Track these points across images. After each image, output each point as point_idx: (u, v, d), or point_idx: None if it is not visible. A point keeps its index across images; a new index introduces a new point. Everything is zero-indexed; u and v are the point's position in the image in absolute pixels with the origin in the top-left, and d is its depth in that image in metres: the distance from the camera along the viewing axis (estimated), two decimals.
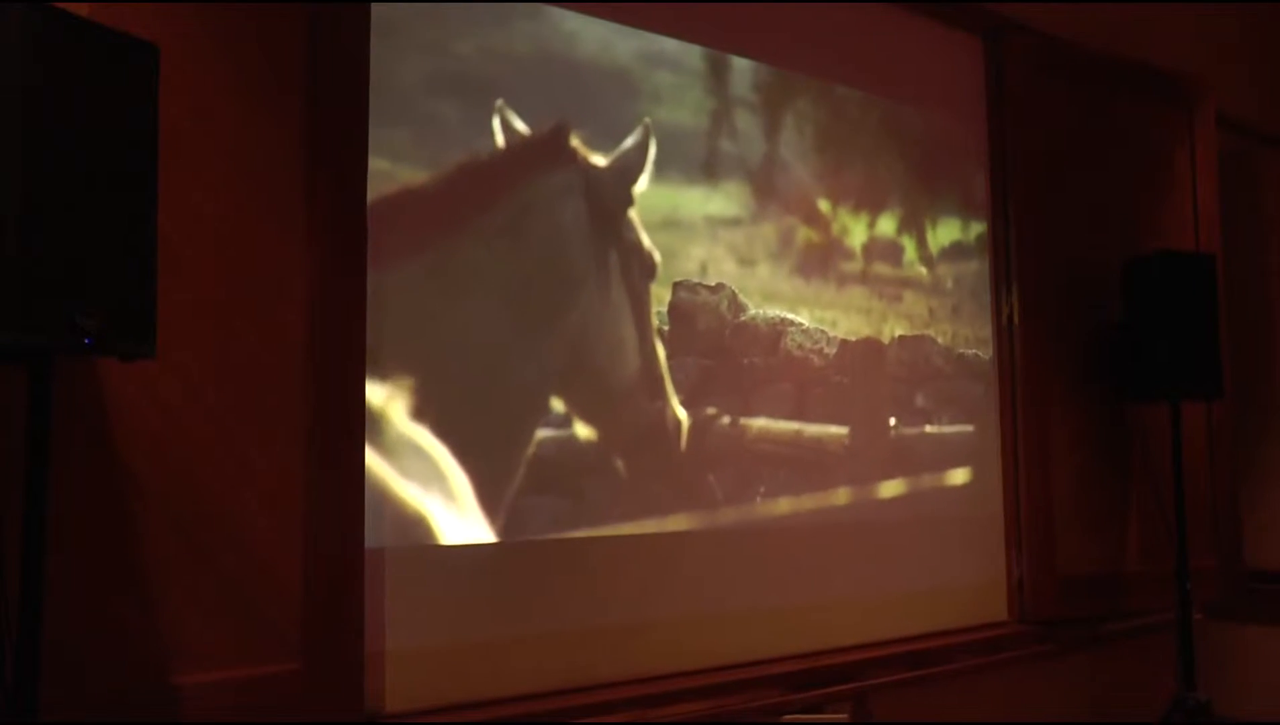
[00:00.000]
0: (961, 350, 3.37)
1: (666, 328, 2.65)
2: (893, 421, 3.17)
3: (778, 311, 2.90)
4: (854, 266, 3.10)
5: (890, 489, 3.13)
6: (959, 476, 3.32)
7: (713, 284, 2.76)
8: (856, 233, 3.12)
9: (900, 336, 3.21)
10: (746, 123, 2.89)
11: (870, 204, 3.17)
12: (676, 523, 2.63)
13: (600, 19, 2.59)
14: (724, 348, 2.77)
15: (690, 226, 2.73)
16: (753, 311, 2.84)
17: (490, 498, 2.32)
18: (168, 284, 1.65)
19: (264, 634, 1.94)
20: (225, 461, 1.91)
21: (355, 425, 2.09)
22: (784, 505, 2.86)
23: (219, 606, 1.89)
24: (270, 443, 1.97)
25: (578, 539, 2.45)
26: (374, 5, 2.18)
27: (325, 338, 2.05)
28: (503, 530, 2.33)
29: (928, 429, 3.26)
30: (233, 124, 1.97)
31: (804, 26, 3.04)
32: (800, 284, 2.96)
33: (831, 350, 3.00)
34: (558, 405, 2.45)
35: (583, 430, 2.49)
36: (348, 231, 2.10)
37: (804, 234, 2.97)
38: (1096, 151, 3.69)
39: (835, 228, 3.06)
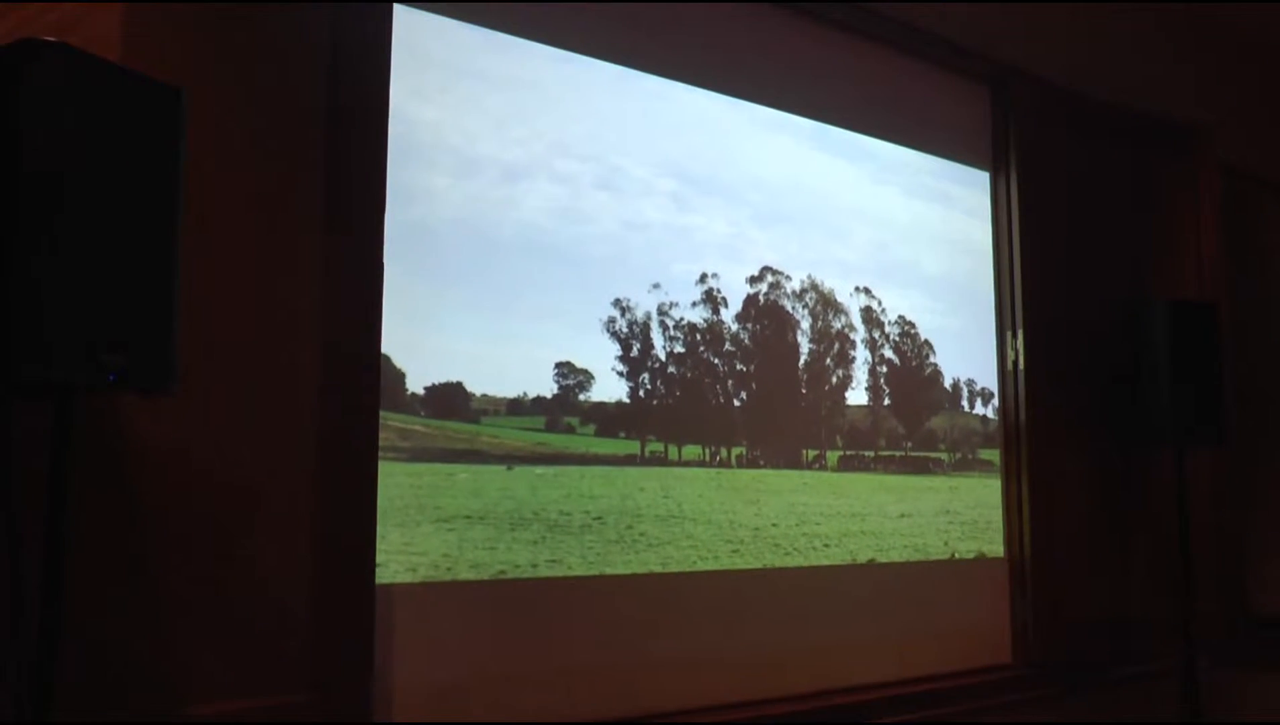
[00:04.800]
0: (963, 389, 3.40)
1: (662, 356, 2.68)
2: (893, 451, 3.19)
3: (768, 336, 2.92)
4: (847, 300, 3.13)
5: (894, 529, 3.14)
6: (964, 516, 3.33)
7: (702, 317, 2.78)
8: (850, 263, 3.14)
9: (893, 372, 3.24)
10: (742, 149, 2.92)
11: (862, 234, 3.20)
12: (675, 561, 2.65)
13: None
14: (713, 379, 2.79)
15: (679, 254, 2.76)
16: (745, 339, 2.86)
17: (486, 530, 2.34)
18: (186, 321, 1.68)
19: (273, 666, 1.95)
20: (238, 495, 1.94)
21: (367, 461, 2.11)
22: (786, 544, 2.87)
23: (229, 638, 1.90)
24: (282, 477, 2.00)
25: (585, 577, 2.47)
26: None
27: (339, 376, 2.08)
28: (502, 566, 2.35)
29: (929, 469, 3.28)
30: (252, 162, 2.01)
31: (811, 71, 3.09)
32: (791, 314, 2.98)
33: (823, 383, 3.03)
34: (552, 436, 2.48)
35: (577, 464, 2.51)
36: (363, 272, 2.14)
37: (797, 258, 3.01)
38: (1101, 198, 3.72)
39: (827, 255, 3.09)
